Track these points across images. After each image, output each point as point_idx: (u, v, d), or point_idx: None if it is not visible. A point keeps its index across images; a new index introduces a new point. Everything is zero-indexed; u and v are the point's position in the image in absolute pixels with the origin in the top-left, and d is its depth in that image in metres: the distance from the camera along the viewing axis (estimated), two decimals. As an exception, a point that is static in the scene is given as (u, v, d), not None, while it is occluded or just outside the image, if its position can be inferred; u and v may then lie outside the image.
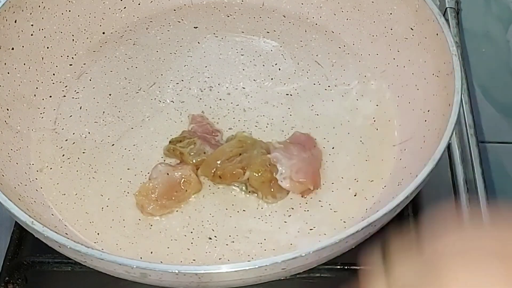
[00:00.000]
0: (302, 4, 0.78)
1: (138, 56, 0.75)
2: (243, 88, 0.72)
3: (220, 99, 0.71)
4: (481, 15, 0.88)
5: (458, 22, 0.84)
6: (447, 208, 0.39)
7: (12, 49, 0.69)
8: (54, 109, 0.70)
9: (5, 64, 0.68)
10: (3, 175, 0.60)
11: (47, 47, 0.72)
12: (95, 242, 0.60)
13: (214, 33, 0.78)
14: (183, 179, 0.62)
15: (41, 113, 0.70)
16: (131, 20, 0.79)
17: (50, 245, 0.53)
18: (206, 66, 0.74)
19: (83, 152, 0.67)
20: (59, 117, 0.69)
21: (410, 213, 0.65)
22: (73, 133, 0.68)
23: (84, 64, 0.74)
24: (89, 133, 0.68)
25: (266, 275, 0.51)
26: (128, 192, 0.64)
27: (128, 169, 0.65)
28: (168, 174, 0.62)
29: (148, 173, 0.64)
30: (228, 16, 0.79)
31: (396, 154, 0.66)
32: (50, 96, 0.71)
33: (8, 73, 0.68)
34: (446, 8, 0.84)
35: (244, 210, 0.62)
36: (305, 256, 0.50)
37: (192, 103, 0.71)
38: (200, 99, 0.71)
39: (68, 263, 0.60)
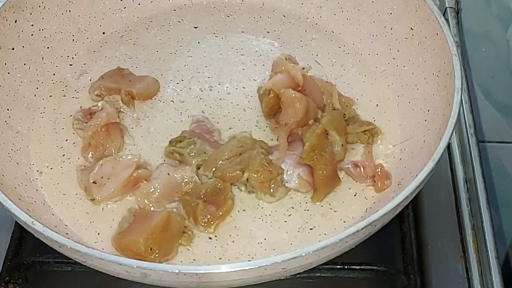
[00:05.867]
0: (302, 4, 0.79)
1: (138, 56, 0.75)
2: (243, 88, 0.72)
3: (220, 99, 0.71)
4: (481, 15, 0.88)
5: (458, 22, 0.84)
6: None
7: (12, 49, 0.69)
8: (54, 109, 0.70)
9: (5, 64, 0.68)
10: (3, 175, 0.60)
11: (47, 47, 0.72)
12: (95, 242, 0.60)
13: (214, 33, 0.78)
14: (184, 180, 0.62)
15: (41, 113, 0.70)
16: (131, 20, 0.79)
17: (50, 245, 0.53)
18: (206, 66, 0.74)
19: (83, 152, 0.67)
20: (59, 117, 0.69)
21: (410, 213, 0.65)
22: (73, 133, 0.68)
23: (84, 64, 0.74)
24: (89, 133, 0.68)
25: (266, 275, 0.51)
26: (128, 192, 0.64)
27: (128, 169, 0.65)
28: (169, 174, 0.62)
29: (148, 173, 0.64)
30: (228, 16, 0.80)
31: (396, 154, 0.66)
32: (50, 96, 0.71)
33: (8, 73, 0.68)
34: (446, 8, 0.84)
35: (244, 210, 0.62)
36: (305, 256, 0.50)
37: (192, 103, 0.71)
38: (200, 99, 0.71)
39: (68, 263, 0.60)
